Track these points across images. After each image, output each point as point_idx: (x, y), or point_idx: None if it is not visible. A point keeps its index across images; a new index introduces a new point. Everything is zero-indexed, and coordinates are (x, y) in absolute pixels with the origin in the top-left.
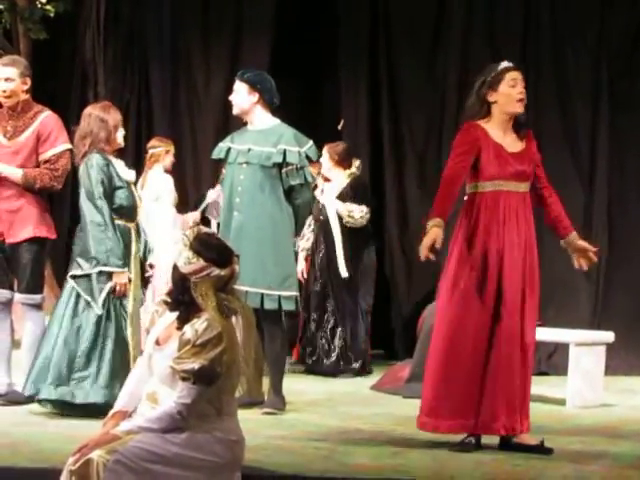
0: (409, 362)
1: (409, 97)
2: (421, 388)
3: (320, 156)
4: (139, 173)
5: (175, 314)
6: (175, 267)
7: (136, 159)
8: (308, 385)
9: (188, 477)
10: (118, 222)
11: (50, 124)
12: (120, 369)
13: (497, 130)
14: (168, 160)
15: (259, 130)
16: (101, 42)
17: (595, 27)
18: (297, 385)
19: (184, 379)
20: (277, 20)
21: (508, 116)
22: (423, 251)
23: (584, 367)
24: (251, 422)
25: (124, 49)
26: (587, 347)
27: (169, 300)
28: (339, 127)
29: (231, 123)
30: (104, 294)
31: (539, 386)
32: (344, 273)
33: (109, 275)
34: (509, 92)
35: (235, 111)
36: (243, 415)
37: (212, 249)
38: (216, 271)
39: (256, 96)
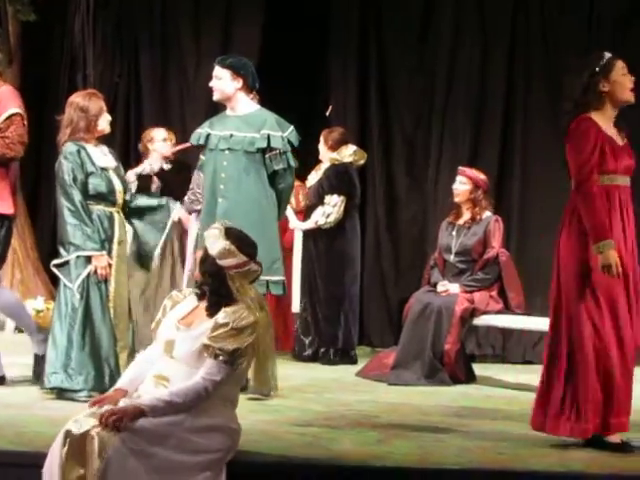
0: (395, 349)
1: (398, 83)
2: (406, 375)
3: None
4: (127, 155)
5: (193, 302)
6: (209, 258)
7: (125, 142)
8: (293, 371)
9: (188, 461)
10: (97, 207)
11: (0, 94)
12: (92, 355)
13: (606, 122)
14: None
15: (240, 116)
16: (90, 26)
17: (584, 19)
18: (282, 371)
19: (217, 356)
20: (267, 5)
21: (618, 106)
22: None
23: None
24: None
25: (113, 33)
26: None
27: (198, 290)
28: (327, 113)
29: (221, 109)
30: (81, 278)
31: (524, 375)
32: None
33: (88, 259)
34: (622, 80)
35: (216, 97)
36: None
37: (250, 245)
38: (253, 266)
39: (240, 82)
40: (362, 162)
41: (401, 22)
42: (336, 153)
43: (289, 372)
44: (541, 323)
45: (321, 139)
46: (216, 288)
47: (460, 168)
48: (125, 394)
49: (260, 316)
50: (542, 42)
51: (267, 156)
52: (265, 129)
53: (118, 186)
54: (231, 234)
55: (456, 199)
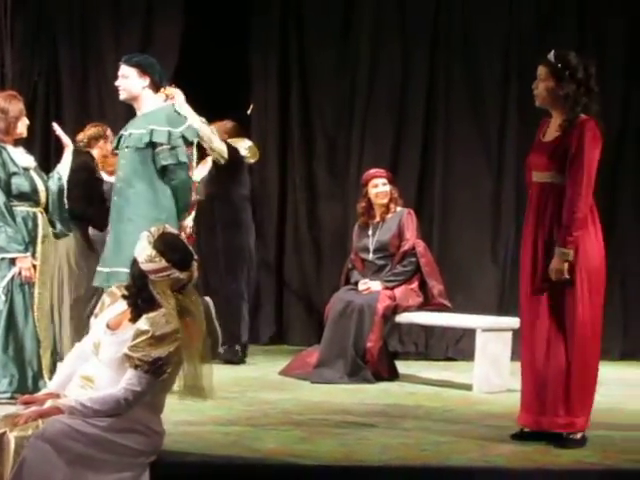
0: (317, 348)
1: (319, 82)
2: (329, 373)
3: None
4: (48, 154)
5: (124, 304)
6: (135, 262)
7: (44, 141)
8: (216, 371)
9: (106, 460)
10: (21, 208)
11: None
12: (16, 357)
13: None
14: None
15: (145, 114)
16: (8, 24)
17: (505, 21)
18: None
19: (137, 367)
20: (188, 3)
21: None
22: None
23: (491, 353)
24: None
25: (33, 31)
26: (494, 333)
27: (127, 293)
28: (248, 112)
29: None
30: (5, 281)
31: (446, 371)
32: None
33: (12, 261)
34: None
35: (123, 96)
36: None
37: (176, 251)
38: (176, 273)
39: (147, 80)
40: (254, 160)
41: (322, 21)
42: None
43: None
44: (463, 320)
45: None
46: (138, 292)
47: (374, 170)
48: (57, 397)
49: (188, 322)
50: (463, 42)
51: (155, 151)
52: (152, 124)
53: (40, 185)
54: (159, 239)
55: (383, 201)
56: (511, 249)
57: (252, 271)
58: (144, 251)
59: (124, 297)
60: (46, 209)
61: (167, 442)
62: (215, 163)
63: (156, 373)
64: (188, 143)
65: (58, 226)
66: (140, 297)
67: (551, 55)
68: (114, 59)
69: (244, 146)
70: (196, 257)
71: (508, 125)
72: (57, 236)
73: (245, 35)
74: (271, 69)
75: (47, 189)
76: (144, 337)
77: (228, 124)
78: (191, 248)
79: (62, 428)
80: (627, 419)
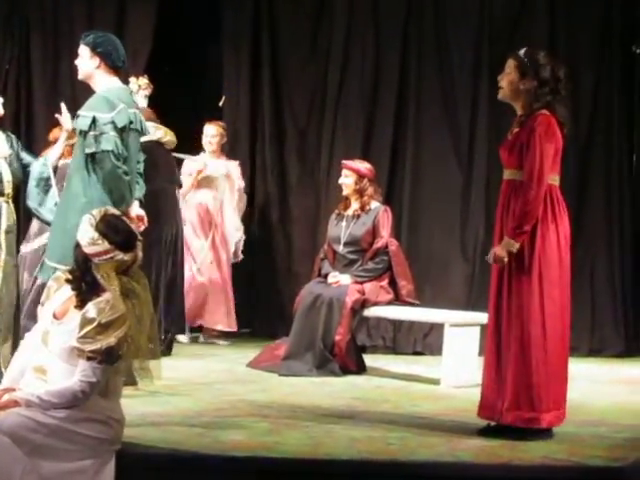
0: (286, 340)
1: (291, 73)
2: (297, 366)
3: (131, 123)
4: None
5: (69, 289)
6: (78, 246)
7: (15, 129)
8: (183, 363)
9: (67, 449)
10: None
11: None
12: None
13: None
14: None
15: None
16: None
17: (476, 16)
18: (173, 362)
19: (90, 358)
20: None
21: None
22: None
23: (459, 347)
24: (124, 399)
25: (4, 19)
26: (462, 328)
27: (70, 278)
28: (220, 104)
29: None
30: None
31: (414, 366)
32: None
33: None
34: None
35: (79, 76)
36: None
37: (118, 233)
38: (120, 255)
39: (97, 60)
40: (172, 145)
41: (294, 11)
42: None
43: (179, 363)
44: (431, 314)
45: None
46: (82, 277)
47: (343, 162)
48: (12, 391)
49: (135, 304)
50: (434, 36)
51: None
52: (82, 109)
53: (7, 176)
54: (102, 221)
55: (344, 192)
56: (480, 245)
57: (176, 263)
58: (86, 234)
59: (68, 282)
60: (17, 199)
61: (134, 434)
62: None
63: (109, 361)
64: (119, 130)
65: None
66: (84, 281)
67: (522, 50)
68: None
69: (160, 131)
70: (140, 238)
71: (479, 120)
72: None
73: (217, 27)
74: (243, 61)
75: (17, 178)
76: (91, 326)
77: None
78: (134, 229)
79: (20, 420)
80: (595, 415)
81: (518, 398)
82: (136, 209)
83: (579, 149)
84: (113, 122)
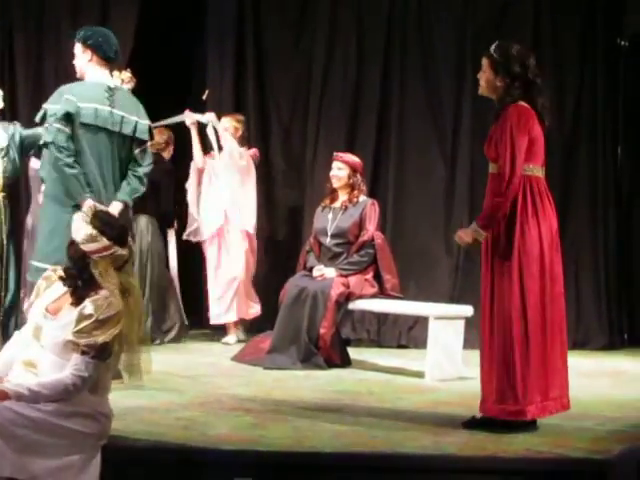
0: (270, 334)
1: (275, 67)
2: (282, 359)
3: (68, 115)
4: None
5: (61, 287)
6: (74, 243)
7: None
8: (168, 356)
9: (55, 445)
10: None
11: None
12: None
13: None
14: None
15: None
16: None
17: (460, 12)
18: (158, 356)
19: (84, 353)
20: None
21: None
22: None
23: (443, 340)
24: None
25: None
26: (446, 321)
27: (65, 275)
28: (204, 97)
29: None
30: None
31: (399, 359)
32: None
33: None
34: None
35: (78, 74)
36: None
37: (114, 228)
38: (119, 250)
39: (88, 53)
40: None
41: (278, 6)
42: None
43: (163, 357)
44: (416, 307)
45: None
46: (79, 274)
47: (336, 154)
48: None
49: (129, 302)
50: (418, 32)
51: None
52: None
53: None
54: (97, 218)
55: (335, 185)
56: None
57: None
58: (82, 231)
59: (62, 280)
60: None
61: (119, 427)
62: None
63: (102, 357)
64: (63, 121)
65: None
66: (81, 279)
67: (492, 47)
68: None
69: None
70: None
71: (462, 116)
72: None
73: (201, 21)
74: (226, 54)
75: (10, 170)
76: (88, 322)
77: None
78: (124, 222)
79: (8, 415)
80: (578, 408)
81: (503, 391)
82: (91, 203)
83: (564, 145)
84: (55, 114)
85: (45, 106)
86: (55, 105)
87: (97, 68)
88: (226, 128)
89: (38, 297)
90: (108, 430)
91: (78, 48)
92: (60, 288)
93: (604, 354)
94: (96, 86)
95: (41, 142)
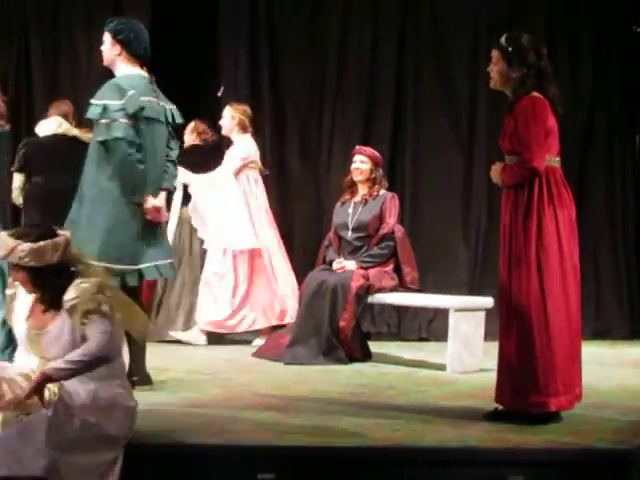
0: (290, 329)
1: (290, 64)
2: (303, 352)
3: (141, 109)
4: (18, 139)
5: (25, 294)
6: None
7: (15, 125)
8: (189, 352)
9: (86, 442)
10: None
11: None
12: None
13: None
14: None
15: None
16: None
17: (473, 3)
18: (179, 352)
19: (84, 323)
20: None
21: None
22: None
23: (463, 333)
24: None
25: (3, 17)
26: (466, 313)
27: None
28: (219, 94)
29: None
30: None
31: (419, 352)
32: None
33: None
34: None
35: (104, 62)
36: None
37: (29, 230)
38: (24, 246)
39: (118, 48)
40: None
41: (292, 3)
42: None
43: (184, 353)
44: (436, 300)
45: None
46: (52, 278)
47: (358, 147)
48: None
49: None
50: (432, 23)
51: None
52: (94, 97)
53: None
54: (15, 233)
55: (357, 178)
56: (482, 230)
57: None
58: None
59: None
60: None
61: (142, 424)
62: None
63: (105, 314)
64: (130, 116)
65: None
66: (53, 284)
67: (503, 39)
68: (86, 45)
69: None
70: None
71: (478, 106)
72: None
73: (214, 18)
74: (241, 50)
75: None
76: (76, 302)
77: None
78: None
79: (54, 412)
80: (600, 398)
81: (524, 383)
82: (154, 200)
83: (580, 131)
84: (124, 109)
85: (102, 102)
86: (116, 101)
87: (127, 63)
88: (223, 117)
89: (12, 311)
90: (134, 424)
91: (107, 38)
92: (26, 298)
93: (625, 343)
94: (141, 78)
95: (99, 139)
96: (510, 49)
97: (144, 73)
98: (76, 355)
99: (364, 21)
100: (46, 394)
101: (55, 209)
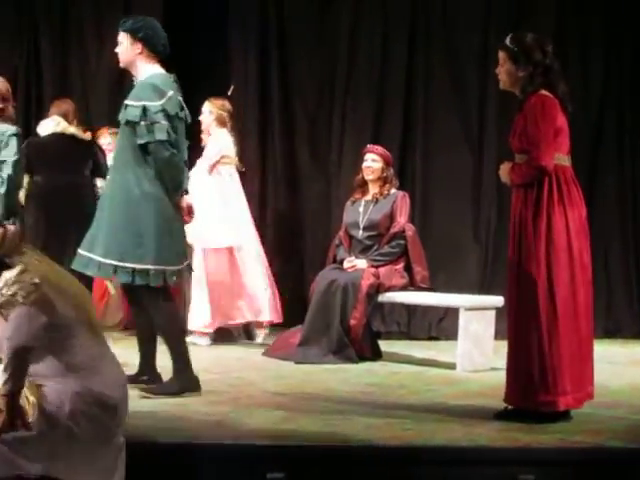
0: (300, 328)
1: (300, 64)
2: (313, 351)
3: (181, 109)
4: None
5: None
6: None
7: (25, 124)
8: (199, 351)
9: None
10: None
11: None
12: None
13: None
14: None
15: (136, 84)
16: None
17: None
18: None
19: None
20: None
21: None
22: None
23: (474, 331)
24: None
25: (13, 16)
26: (477, 312)
27: None
28: (229, 93)
29: (126, 89)
30: None
31: (430, 351)
32: None
33: None
34: None
35: (121, 64)
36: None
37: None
38: None
39: (139, 46)
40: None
41: (302, 2)
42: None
43: (194, 353)
44: (446, 299)
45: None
46: None
47: (370, 146)
48: None
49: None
50: (442, 20)
51: (135, 129)
52: (130, 99)
53: None
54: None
55: (368, 177)
56: (492, 228)
57: None
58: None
59: None
60: None
61: (150, 424)
62: None
63: (28, 297)
64: (170, 117)
65: None
66: None
67: (508, 39)
68: (96, 43)
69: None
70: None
71: (488, 104)
72: None
73: (224, 15)
74: (250, 47)
75: None
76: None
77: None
78: None
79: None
80: (611, 397)
81: (533, 382)
82: (186, 200)
83: (591, 130)
84: (164, 110)
85: (140, 103)
86: (156, 101)
87: (148, 61)
88: (202, 112)
89: None
90: (123, 416)
91: (125, 38)
92: None
93: (636, 342)
94: (168, 77)
95: (142, 141)
96: (515, 49)
97: (165, 72)
98: (6, 357)
99: (374, 20)
100: (26, 408)
101: (55, 207)
